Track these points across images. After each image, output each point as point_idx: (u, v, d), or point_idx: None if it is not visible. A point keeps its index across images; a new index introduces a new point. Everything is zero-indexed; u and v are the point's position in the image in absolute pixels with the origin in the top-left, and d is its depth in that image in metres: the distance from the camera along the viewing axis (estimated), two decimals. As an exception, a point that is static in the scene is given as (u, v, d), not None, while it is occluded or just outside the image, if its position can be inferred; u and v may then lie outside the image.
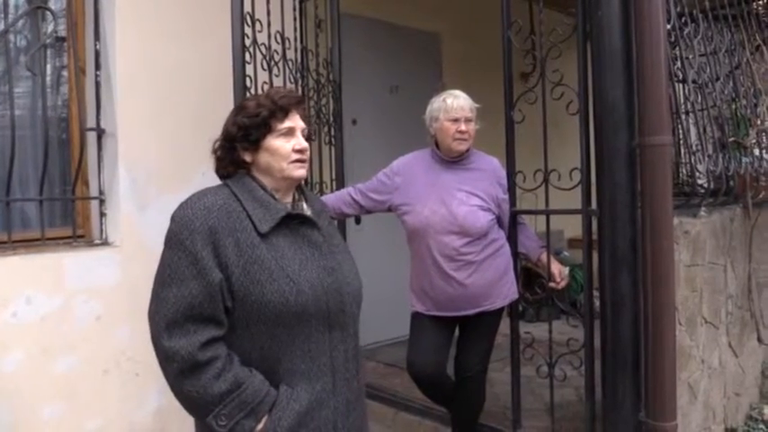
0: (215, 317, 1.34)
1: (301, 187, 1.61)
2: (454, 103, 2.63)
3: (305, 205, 1.55)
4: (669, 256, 2.20)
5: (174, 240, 1.37)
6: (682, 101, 2.96)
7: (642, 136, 2.17)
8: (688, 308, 2.68)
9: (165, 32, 3.18)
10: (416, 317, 2.73)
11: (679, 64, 2.45)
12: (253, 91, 2.87)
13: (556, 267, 2.65)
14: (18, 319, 2.68)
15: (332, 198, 2.88)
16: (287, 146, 1.48)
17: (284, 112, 1.49)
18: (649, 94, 2.15)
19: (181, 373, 1.31)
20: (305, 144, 1.51)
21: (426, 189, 2.65)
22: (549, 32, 2.53)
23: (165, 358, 1.32)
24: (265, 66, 2.98)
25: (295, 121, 1.50)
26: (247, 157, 1.50)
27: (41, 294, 2.75)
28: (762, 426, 3.23)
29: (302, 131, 1.52)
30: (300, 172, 1.50)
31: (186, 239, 1.34)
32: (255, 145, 1.49)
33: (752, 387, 3.41)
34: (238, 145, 1.50)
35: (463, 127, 2.61)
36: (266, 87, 3.00)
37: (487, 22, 3.24)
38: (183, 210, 1.39)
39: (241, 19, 2.79)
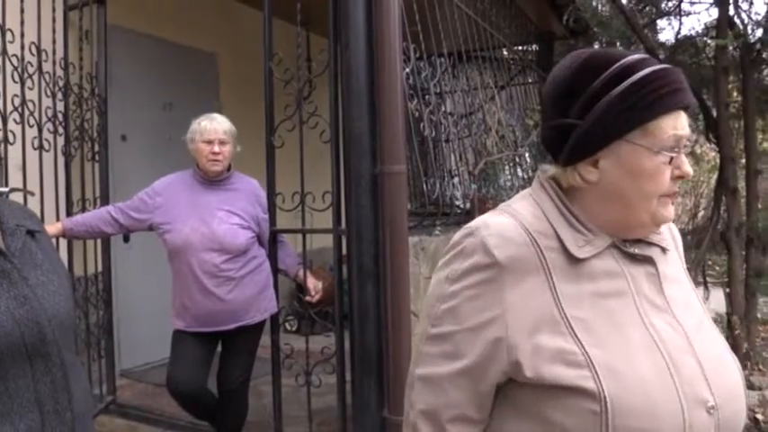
0: None
1: None
2: (208, 126, 2.76)
3: None
4: (405, 270, 2.51)
5: None
6: (431, 133, 3.36)
7: (382, 164, 2.46)
8: (428, 315, 3.04)
9: None
10: (177, 334, 2.79)
11: (416, 102, 2.80)
12: (1, 104, 2.73)
13: (311, 282, 2.87)
14: None
15: (90, 216, 2.84)
16: None
17: None
18: (387, 128, 2.44)
19: None
20: None
21: (187, 208, 2.74)
22: (306, 65, 2.75)
23: None
24: (17, 78, 2.84)
25: None
26: None
27: None
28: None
29: None
30: None
31: None
32: None
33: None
34: None
35: (216, 149, 2.74)
36: (17, 100, 2.87)
37: (261, 46, 3.38)
38: None
39: None
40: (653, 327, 0.92)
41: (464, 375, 0.93)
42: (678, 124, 0.93)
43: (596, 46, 7.69)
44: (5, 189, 2.71)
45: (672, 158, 0.93)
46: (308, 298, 2.85)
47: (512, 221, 0.96)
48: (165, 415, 3.39)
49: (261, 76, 2.88)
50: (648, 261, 0.98)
